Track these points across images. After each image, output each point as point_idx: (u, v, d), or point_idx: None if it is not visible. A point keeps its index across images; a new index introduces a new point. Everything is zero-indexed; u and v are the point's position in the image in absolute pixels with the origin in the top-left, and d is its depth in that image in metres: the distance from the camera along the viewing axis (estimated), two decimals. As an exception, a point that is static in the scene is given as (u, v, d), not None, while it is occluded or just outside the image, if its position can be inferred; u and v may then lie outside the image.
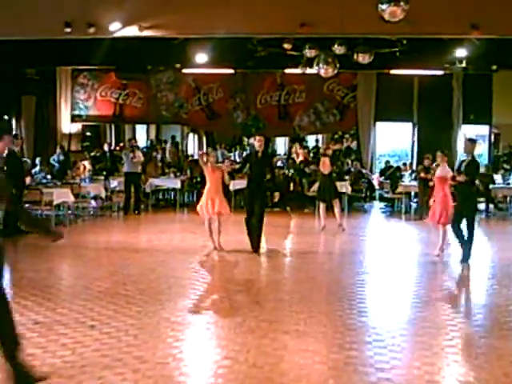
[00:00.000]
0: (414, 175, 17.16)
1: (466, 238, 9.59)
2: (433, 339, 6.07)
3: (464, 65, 17.46)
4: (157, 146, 21.63)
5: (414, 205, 17.07)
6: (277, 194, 11.21)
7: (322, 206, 13.62)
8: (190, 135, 24.76)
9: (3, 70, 16.61)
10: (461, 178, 9.69)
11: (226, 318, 6.75)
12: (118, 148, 20.23)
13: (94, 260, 10.39)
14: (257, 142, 10.83)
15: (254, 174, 10.62)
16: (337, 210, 13.48)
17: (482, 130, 20.45)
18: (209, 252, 10.59)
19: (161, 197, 19.35)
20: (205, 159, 10.90)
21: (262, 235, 10.70)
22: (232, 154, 22.22)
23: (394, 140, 20.14)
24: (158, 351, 5.54)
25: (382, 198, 18.60)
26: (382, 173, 19.06)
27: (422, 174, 16.44)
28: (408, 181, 17.21)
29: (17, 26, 11.93)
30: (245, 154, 19.44)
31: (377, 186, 18.72)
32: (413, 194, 17.01)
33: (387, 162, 19.41)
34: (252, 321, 6.63)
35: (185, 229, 14.18)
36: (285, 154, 22.76)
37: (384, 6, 9.20)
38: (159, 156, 20.37)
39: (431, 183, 10.78)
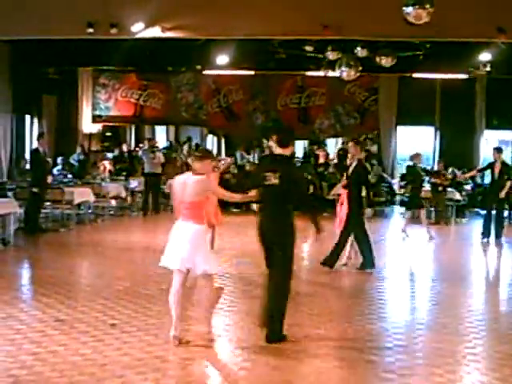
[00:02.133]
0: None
1: (366, 244, 9.39)
2: (454, 346, 6.01)
3: (488, 69, 17.24)
4: (177, 147, 21.68)
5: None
6: None
7: (421, 212, 13.46)
8: (209, 137, 24.76)
9: (25, 70, 16.72)
10: (343, 184, 9.58)
11: (245, 320, 6.73)
12: (137, 149, 20.30)
13: (114, 259, 10.44)
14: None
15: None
16: (422, 219, 13.37)
17: (506, 135, 20.21)
18: (228, 254, 10.55)
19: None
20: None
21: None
22: (251, 156, 22.17)
23: (415, 144, 19.94)
24: (178, 351, 5.52)
25: (402, 203, 18.43)
26: (402, 177, 18.89)
27: (433, 179, 16.33)
28: (428, 186, 17.04)
29: (39, 25, 11.97)
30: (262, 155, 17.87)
31: (397, 191, 18.57)
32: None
33: (408, 166, 19.22)
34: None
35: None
36: (303, 157, 22.63)
37: (409, 9, 9.12)
38: (178, 157, 20.38)
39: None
